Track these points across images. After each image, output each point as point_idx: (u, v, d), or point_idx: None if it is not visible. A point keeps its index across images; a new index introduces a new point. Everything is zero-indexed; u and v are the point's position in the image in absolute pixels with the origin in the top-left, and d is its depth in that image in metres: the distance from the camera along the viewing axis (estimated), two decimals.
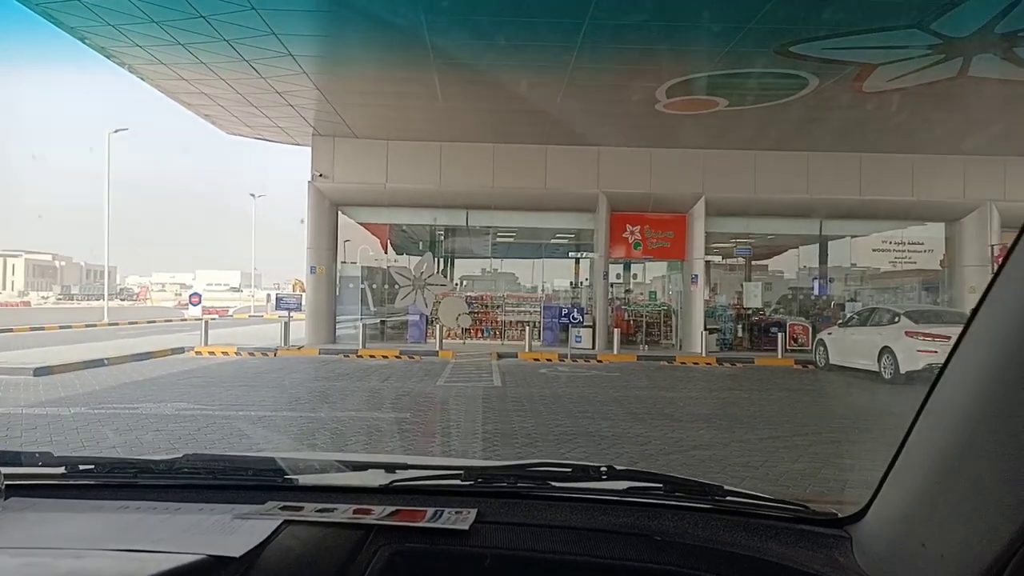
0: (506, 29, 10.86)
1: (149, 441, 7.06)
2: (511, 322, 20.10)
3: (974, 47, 10.82)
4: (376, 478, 1.40)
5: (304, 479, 1.40)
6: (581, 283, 21.62)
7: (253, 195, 49.78)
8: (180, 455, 1.42)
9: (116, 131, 30.06)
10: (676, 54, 11.82)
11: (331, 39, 12.30)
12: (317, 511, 1.21)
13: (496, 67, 12.40)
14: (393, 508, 1.24)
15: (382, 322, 20.47)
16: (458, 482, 1.38)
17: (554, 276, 22.41)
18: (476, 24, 10.87)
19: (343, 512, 1.21)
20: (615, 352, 17.33)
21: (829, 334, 16.00)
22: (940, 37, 10.46)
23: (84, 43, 11.78)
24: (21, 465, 1.36)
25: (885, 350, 13.26)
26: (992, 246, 17.84)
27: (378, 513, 1.21)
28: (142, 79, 13.92)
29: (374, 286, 20.80)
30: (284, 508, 1.21)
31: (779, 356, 17.23)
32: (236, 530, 1.10)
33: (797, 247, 22.65)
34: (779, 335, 17.91)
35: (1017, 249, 0.92)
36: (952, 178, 18.05)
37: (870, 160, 17.88)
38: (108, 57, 12.62)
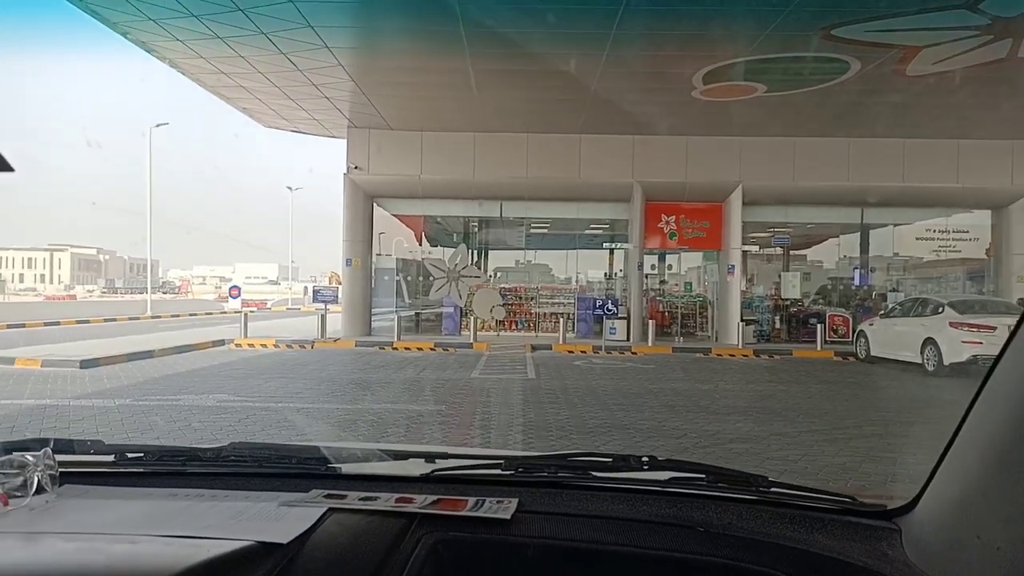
0: (540, 14, 10.79)
1: (193, 432, 7.22)
2: (545, 314, 20.05)
3: None
4: (417, 467, 1.41)
5: (347, 468, 1.42)
6: (615, 274, 21.49)
7: (290, 188, 50.39)
8: (227, 444, 1.45)
9: (157, 125, 30.84)
10: (714, 38, 11.62)
11: (366, 30, 12.40)
12: (361, 499, 1.22)
13: (530, 55, 12.33)
14: (435, 497, 1.24)
15: (417, 314, 20.61)
16: (499, 472, 1.38)
17: (588, 267, 22.31)
18: (510, 10, 10.83)
19: (386, 501, 1.22)
20: (650, 344, 17.21)
21: (870, 325, 15.71)
22: (990, 17, 10.14)
23: (127, 38, 12.02)
24: (74, 453, 1.40)
25: (928, 341, 12.96)
26: None
27: (420, 502, 1.22)
28: (182, 73, 14.18)
29: (409, 278, 20.94)
30: (328, 496, 1.23)
31: (818, 348, 16.94)
32: (282, 517, 1.12)
33: (837, 236, 22.18)
34: (818, 326, 17.61)
35: None
36: (999, 164, 17.48)
37: (914, 146, 17.42)
38: (149, 52, 12.86)
